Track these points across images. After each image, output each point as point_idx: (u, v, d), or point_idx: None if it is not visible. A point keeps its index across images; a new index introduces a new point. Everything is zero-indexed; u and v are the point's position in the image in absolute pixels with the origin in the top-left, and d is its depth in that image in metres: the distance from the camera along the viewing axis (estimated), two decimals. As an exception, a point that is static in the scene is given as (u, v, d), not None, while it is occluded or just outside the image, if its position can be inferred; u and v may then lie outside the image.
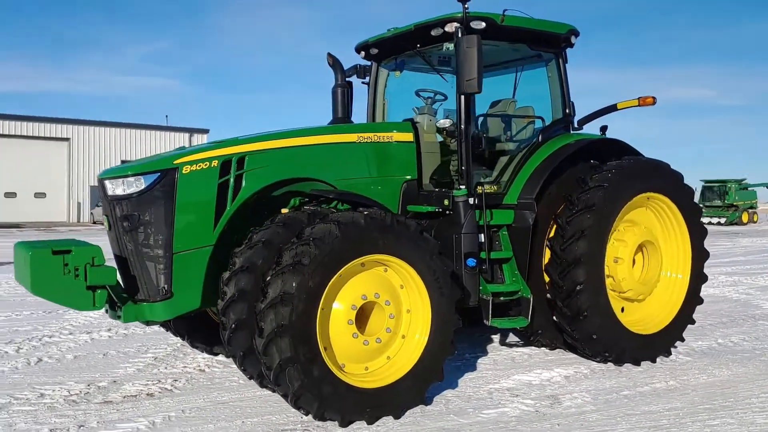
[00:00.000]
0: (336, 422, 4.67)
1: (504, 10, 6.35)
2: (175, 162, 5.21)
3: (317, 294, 4.53)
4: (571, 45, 7.01)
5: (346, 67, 7.33)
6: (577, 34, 6.94)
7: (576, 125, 7.15)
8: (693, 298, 6.88)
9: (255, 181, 5.46)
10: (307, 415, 4.73)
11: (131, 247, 5.19)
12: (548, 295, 6.25)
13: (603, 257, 6.15)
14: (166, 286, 5.13)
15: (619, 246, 6.45)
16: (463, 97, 6.15)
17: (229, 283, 4.89)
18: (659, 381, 5.93)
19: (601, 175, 6.27)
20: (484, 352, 6.91)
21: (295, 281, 4.44)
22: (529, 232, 6.18)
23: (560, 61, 7.01)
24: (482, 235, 6.26)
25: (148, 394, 5.42)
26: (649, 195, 6.56)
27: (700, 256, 6.90)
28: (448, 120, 6.46)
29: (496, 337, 7.50)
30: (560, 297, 6.12)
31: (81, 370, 6.14)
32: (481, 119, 7.33)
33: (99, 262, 4.92)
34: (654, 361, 6.54)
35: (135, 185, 5.15)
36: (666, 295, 6.87)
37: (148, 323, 5.48)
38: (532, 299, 6.07)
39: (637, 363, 6.43)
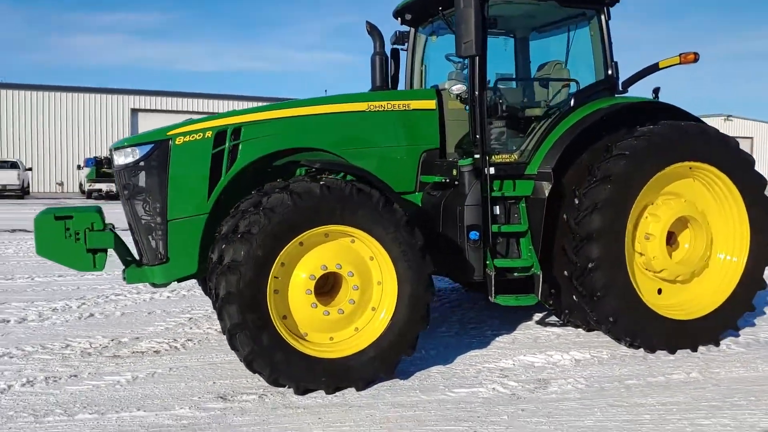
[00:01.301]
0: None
1: (522, -35, 5.89)
2: (168, 133, 5.46)
3: (266, 263, 4.57)
4: (614, 0, 6.34)
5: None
6: (620, -13, 6.26)
7: (620, 88, 6.50)
8: (751, 282, 6.04)
9: (251, 151, 5.57)
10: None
11: (132, 214, 5.55)
12: (565, 272, 5.80)
13: (623, 232, 5.58)
14: (162, 251, 5.43)
15: (652, 221, 5.81)
16: (471, 59, 5.82)
17: (212, 250, 5.07)
18: (681, 372, 5.32)
19: (626, 142, 5.67)
20: (510, 330, 6.58)
21: (243, 250, 4.52)
22: (544, 205, 5.74)
23: (602, 18, 6.38)
24: (497, 207, 5.97)
25: (155, 351, 5.81)
26: (691, 165, 5.82)
27: (761, 233, 6.02)
28: (461, 85, 6.13)
29: (537, 315, 7.09)
30: (575, 275, 5.67)
31: (119, 325, 6.70)
32: (501, 84, 6.88)
33: (98, 227, 5.34)
34: (695, 350, 5.86)
35: (132, 156, 5.47)
36: (716, 277, 6.09)
37: (155, 285, 5.82)
38: (541, 276, 5.67)
39: (672, 351, 5.80)
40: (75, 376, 5.13)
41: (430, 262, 4.97)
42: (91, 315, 7.11)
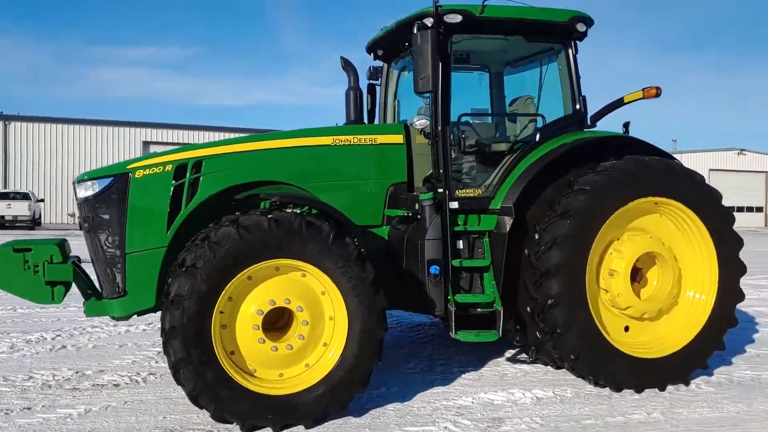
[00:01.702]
0: (240, 425, 4.66)
1: (483, 1, 5.94)
2: (128, 167, 5.51)
3: (211, 297, 4.56)
4: (582, 35, 6.36)
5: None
6: (586, 21, 6.29)
7: (589, 122, 6.49)
8: (720, 320, 5.92)
9: (212, 184, 5.59)
10: (213, 414, 4.75)
11: (92, 246, 5.57)
12: (528, 309, 5.73)
13: (583, 268, 5.50)
14: (120, 284, 5.43)
15: (616, 257, 5.74)
16: (434, 96, 5.86)
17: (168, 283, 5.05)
18: (643, 412, 5.19)
19: (587, 177, 5.63)
20: (478, 367, 6.48)
21: (187, 284, 4.51)
22: (505, 240, 5.70)
23: (569, 52, 6.39)
24: (460, 241, 5.94)
25: (115, 385, 5.79)
26: (656, 200, 5.76)
27: (730, 270, 5.93)
28: (425, 120, 6.15)
29: (510, 352, 6.98)
30: (536, 311, 5.59)
31: (88, 358, 6.69)
32: (473, 119, 6.91)
33: (57, 260, 5.36)
34: (662, 389, 5.74)
35: (92, 189, 5.51)
36: (685, 315, 5.99)
37: (114, 319, 5.80)
38: (502, 312, 5.61)
39: (639, 390, 5.68)
40: (29, 408, 5.11)
41: (383, 297, 4.92)
42: (63, 347, 7.11)
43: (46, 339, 7.46)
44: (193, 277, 4.52)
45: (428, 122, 6.09)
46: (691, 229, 5.90)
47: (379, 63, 7.50)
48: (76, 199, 5.76)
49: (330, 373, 4.81)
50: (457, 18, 5.86)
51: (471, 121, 7.15)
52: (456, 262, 5.77)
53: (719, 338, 5.96)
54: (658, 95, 6.06)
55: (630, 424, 4.96)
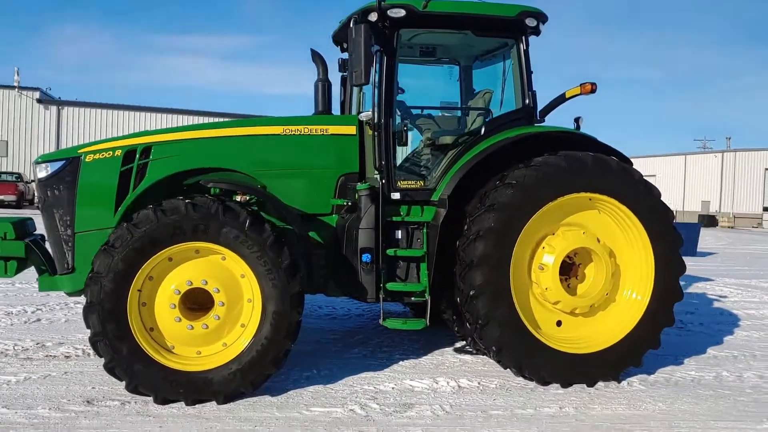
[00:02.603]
0: (153, 398, 4.93)
1: (429, -6, 6.02)
2: (79, 151, 5.83)
3: (127, 275, 4.83)
4: (534, 31, 6.37)
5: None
6: (537, 16, 6.29)
7: (538, 117, 6.51)
8: (656, 319, 5.90)
9: (159, 169, 5.86)
10: (129, 386, 5.03)
11: (46, 224, 5.91)
12: (457, 299, 5.83)
13: (507, 261, 5.55)
14: (69, 261, 5.76)
15: (546, 252, 5.78)
16: (378, 89, 6.01)
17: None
18: (555, 406, 5.24)
19: (517, 171, 5.67)
20: (421, 355, 6.62)
21: (105, 262, 4.79)
22: (437, 231, 5.80)
23: (520, 47, 6.41)
24: (399, 231, 6.08)
25: (65, 356, 6.15)
26: (590, 196, 5.77)
27: (668, 269, 5.89)
28: (368, 112, 6.28)
29: (462, 342, 7.07)
30: (462, 301, 5.69)
31: (56, 331, 7.10)
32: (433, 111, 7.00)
33: (10, 237, 5.70)
34: (591, 385, 5.77)
35: (46, 170, 5.84)
36: (621, 312, 5.98)
37: (69, 295, 6.14)
38: (429, 302, 5.74)
39: (565, 384, 5.73)
40: (-25, 374, 5.49)
41: (298, 282, 5.11)
42: (38, 320, 7.54)
43: (26, 312, 7.91)
44: (111, 256, 4.79)
45: (369, 114, 6.22)
46: (628, 226, 5.89)
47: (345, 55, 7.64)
48: (35, 180, 6.12)
49: (242, 352, 5.03)
50: (401, 12, 5.96)
51: (432, 114, 7.26)
52: (391, 252, 5.90)
53: (655, 336, 5.93)
54: (593, 91, 6.05)
55: (537, 416, 5.03)
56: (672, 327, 6.11)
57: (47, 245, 5.99)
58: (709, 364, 6.70)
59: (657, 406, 5.34)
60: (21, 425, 4.46)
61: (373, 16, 5.99)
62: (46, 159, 5.92)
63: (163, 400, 4.93)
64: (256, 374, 5.06)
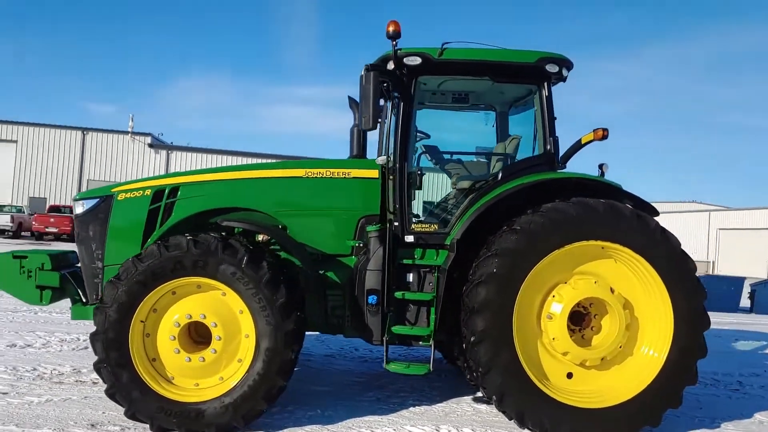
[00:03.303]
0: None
1: (443, 44, 6.13)
2: (113, 189, 6.27)
3: (129, 307, 5.10)
4: (555, 76, 6.30)
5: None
6: (559, 62, 6.22)
7: (559, 162, 6.39)
8: (675, 375, 5.54)
9: (185, 208, 6.20)
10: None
11: (80, 257, 6.35)
12: (464, 345, 5.73)
13: (510, 307, 5.41)
14: (99, 293, 6.15)
15: (555, 300, 5.60)
16: (395, 134, 6.16)
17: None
18: (553, 462, 5.01)
19: (524, 217, 5.57)
20: (435, 402, 6.51)
21: (110, 293, 5.10)
22: (445, 275, 5.77)
23: (542, 93, 6.36)
24: (411, 274, 6.11)
25: (94, 382, 6.48)
26: (603, 245, 5.57)
27: (689, 323, 5.55)
28: (384, 157, 6.38)
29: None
30: (466, 346, 5.59)
31: (78, 358, 7.47)
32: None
33: (47, 267, 6.17)
34: (602, 443, 5.46)
35: (82, 207, 6.32)
36: (637, 367, 5.67)
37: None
38: (432, 345, 5.68)
39: (573, 440, 5.46)
40: (5, 393, 5.92)
41: (293, 320, 5.20)
42: (86, 348, 7.99)
43: (78, 340, 8.43)
44: (116, 287, 5.09)
45: (386, 159, 6.32)
46: (645, 277, 5.61)
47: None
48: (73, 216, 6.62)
49: (235, 387, 5.16)
50: (417, 61, 6.08)
51: (462, 160, 7.28)
52: (399, 294, 5.91)
53: (675, 395, 5.56)
54: (605, 137, 5.90)
55: (528, 471, 4.82)
56: (727, 388, 5.73)
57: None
58: (749, 429, 6.19)
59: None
60: (23, 443, 4.76)
61: (390, 65, 6.15)
62: (83, 197, 6.39)
63: (158, 428, 5.11)
64: (248, 409, 5.16)
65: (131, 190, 6.26)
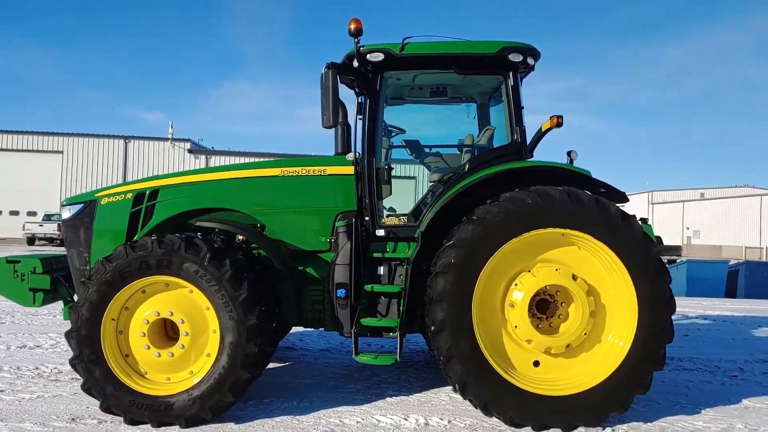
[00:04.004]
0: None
1: (404, 38, 6.22)
2: (96, 195, 6.57)
3: (100, 306, 5.36)
4: (521, 65, 6.32)
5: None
6: (523, 51, 6.24)
7: (528, 152, 6.41)
8: (643, 361, 5.53)
9: (165, 210, 6.45)
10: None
11: (69, 260, 6.66)
12: (428, 334, 5.83)
13: (468, 297, 5.48)
14: (87, 293, 6.45)
15: (516, 289, 5.65)
16: (362, 130, 6.29)
17: None
18: (510, 448, 5.07)
19: (482, 207, 5.63)
20: (414, 392, 6.61)
21: (82, 293, 5.37)
22: (410, 267, 5.87)
23: (508, 83, 6.39)
24: (382, 267, 6.23)
25: (72, 378, 6.75)
26: (563, 232, 5.58)
27: (654, 307, 5.53)
28: (352, 153, 6.50)
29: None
30: (429, 336, 5.69)
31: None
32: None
33: (39, 271, 6.50)
34: (569, 430, 5.49)
35: (69, 212, 6.64)
36: (604, 353, 5.67)
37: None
38: (398, 336, 5.78)
39: (538, 428, 5.50)
40: (1, 391, 6.25)
41: (255, 315, 5.38)
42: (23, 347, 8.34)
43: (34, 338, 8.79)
44: (87, 287, 5.36)
45: (354, 155, 6.44)
46: (609, 263, 5.61)
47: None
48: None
49: (202, 380, 5.37)
50: (379, 57, 6.20)
51: (442, 153, 7.36)
52: (368, 287, 6.04)
53: (642, 380, 5.54)
54: (560, 124, 5.91)
55: (482, 457, 4.89)
56: (725, 375, 5.65)
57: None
58: (730, 414, 6.11)
59: (624, 455, 4.99)
60: (3, 436, 5.07)
61: (355, 62, 6.28)
62: (70, 202, 6.70)
63: (131, 420, 5.36)
64: (215, 402, 5.36)
65: (113, 194, 6.54)
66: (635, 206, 71.01)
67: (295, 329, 9.39)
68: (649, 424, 5.75)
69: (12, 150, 45.53)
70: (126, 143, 46.85)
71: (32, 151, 45.69)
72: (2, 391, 6.27)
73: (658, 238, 6.07)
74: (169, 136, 46.36)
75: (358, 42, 6.13)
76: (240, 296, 5.35)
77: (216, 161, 47.04)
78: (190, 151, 46.89)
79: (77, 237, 6.55)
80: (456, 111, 8.04)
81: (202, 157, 47.09)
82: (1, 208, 44.94)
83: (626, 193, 6.20)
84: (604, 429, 5.56)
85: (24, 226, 37.53)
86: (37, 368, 7.19)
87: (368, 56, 6.20)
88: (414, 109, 7.83)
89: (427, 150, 7.41)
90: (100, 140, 46.52)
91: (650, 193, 78.09)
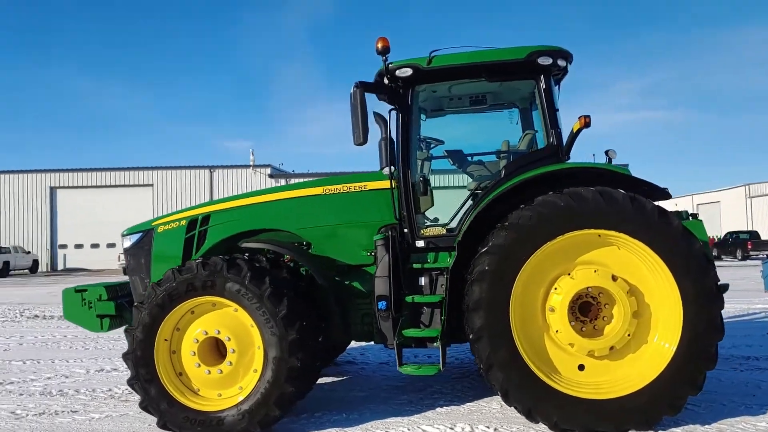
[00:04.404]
0: (181, 434, 5.67)
1: (431, 52, 6.31)
2: (153, 224, 6.98)
3: (152, 327, 5.68)
4: (552, 67, 6.28)
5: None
6: (552, 54, 6.21)
7: (565, 154, 6.33)
8: (693, 361, 5.34)
9: (216, 234, 6.80)
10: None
11: (132, 286, 7.08)
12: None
13: (505, 304, 5.45)
14: (148, 318, 6.84)
15: (555, 293, 5.58)
16: (397, 145, 6.43)
17: None
18: (553, 454, 5.00)
19: (515, 212, 5.61)
20: (465, 401, 6.60)
21: (136, 317, 5.71)
22: (448, 276, 5.91)
23: (540, 86, 6.36)
24: (423, 278, 6.30)
25: (123, 401, 7.09)
26: (599, 233, 5.49)
27: (700, 305, 5.33)
28: (387, 168, 6.61)
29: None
30: (470, 345, 5.70)
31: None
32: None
33: (104, 298, 6.95)
34: (616, 434, 5.36)
35: (129, 241, 7.07)
36: (651, 354, 5.50)
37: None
38: (439, 346, 5.82)
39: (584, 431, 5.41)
40: (74, 411, 6.71)
41: (296, 330, 5.55)
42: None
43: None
44: (140, 311, 5.69)
45: (389, 169, 6.55)
46: (650, 262, 5.46)
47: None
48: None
49: (249, 395, 5.58)
50: (408, 72, 6.32)
51: (484, 161, 7.37)
52: (409, 298, 6.12)
53: (693, 381, 5.35)
54: (588, 124, 5.81)
55: (522, 464, 4.85)
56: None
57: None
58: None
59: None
60: (69, 453, 5.44)
61: (385, 79, 6.42)
62: (129, 232, 7.14)
63: (187, 435, 5.64)
64: (263, 416, 5.55)
65: (168, 222, 6.92)
66: (730, 200, 67.67)
67: (357, 344, 9.53)
68: (706, 426, 5.53)
69: (107, 186, 48.34)
70: (211, 173, 48.81)
71: (125, 186, 48.33)
72: (75, 411, 6.70)
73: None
74: (251, 163, 47.94)
75: (386, 59, 6.26)
76: (280, 312, 5.54)
77: (295, 184, 48.16)
78: (271, 176, 48.31)
79: (138, 264, 6.96)
80: (499, 118, 8.04)
81: (282, 181, 48.36)
82: (99, 242, 47.62)
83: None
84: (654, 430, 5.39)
85: (119, 257, 39.56)
86: (110, 390, 7.63)
87: (397, 72, 6.32)
88: (456, 120, 7.88)
89: (469, 159, 7.43)
90: (187, 171, 48.67)
91: (747, 187, 74.14)
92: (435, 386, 7.30)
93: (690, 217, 6.08)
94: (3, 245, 44.96)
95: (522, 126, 7.65)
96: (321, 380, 7.88)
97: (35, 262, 45.40)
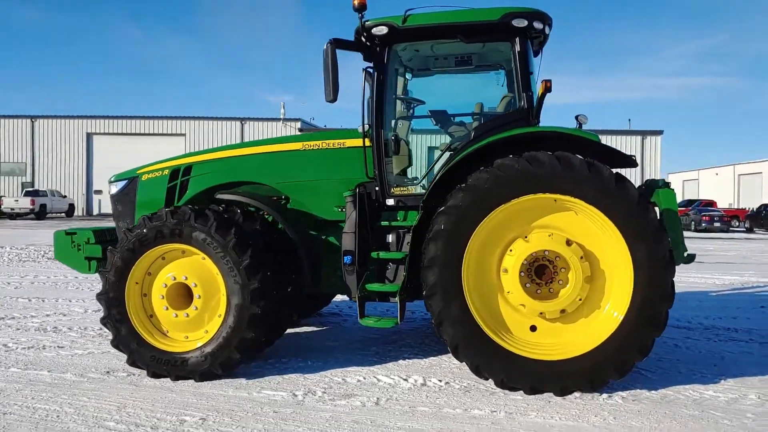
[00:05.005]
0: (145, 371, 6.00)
1: (407, 10, 6.34)
2: (138, 171, 7.23)
3: (124, 271, 5.97)
4: (527, 30, 6.26)
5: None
6: (527, 16, 6.18)
7: (534, 118, 6.35)
8: (640, 326, 5.42)
9: (198, 184, 7.03)
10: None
11: (117, 231, 7.39)
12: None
13: (458, 262, 5.58)
14: (132, 261, 7.15)
15: (509, 255, 5.69)
16: (371, 103, 6.51)
17: None
18: (488, 410, 5.19)
19: (474, 174, 5.69)
20: (427, 355, 6.81)
21: (110, 260, 6.00)
22: (410, 233, 6.06)
23: (515, 49, 6.35)
24: (390, 235, 6.46)
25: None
26: (555, 197, 5.55)
27: (651, 271, 5.39)
28: (365, 125, 6.71)
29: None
30: (425, 300, 5.87)
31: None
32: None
33: (92, 241, 7.27)
34: (559, 395, 5.52)
35: (116, 188, 7.35)
36: (602, 318, 5.61)
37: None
38: (398, 300, 6.00)
39: (531, 391, 5.57)
40: (60, 347, 7.11)
41: (257, 279, 5.77)
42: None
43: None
44: (113, 254, 5.98)
45: (363, 127, 6.66)
46: (605, 228, 5.52)
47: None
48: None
49: (212, 338, 5.86)
50: (384, 30, 6.36)
51: (465, 122, 7.42)
52: (374, 254, 6.29)
53: (641, 346, 5.44)
54: (549, 89, 5.81)
55: (461, 417, 5.03)
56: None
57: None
58: (750, 385, 5.84)
59: (606, 421, 4.96)
60: (44, 383, 5.80)
61: (362, 37, 6.47)
62: (117, 179, 7.42)
63: (153, 374, 5.96)
64: (225, 358, 5.83)
65: (152, 171, 7.18)
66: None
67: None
68: (652, 392, 5.63)
69: (142, 134, 49.26)
70: (242, 124, 49.24)
71: (159, 134, 49.12)
72: (62, 347, 7.11)
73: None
74: (281, 117, 48.19)
75: (362, 17, 6.31)
76: (243, 262, 5.76)
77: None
78: (301, 130, 48.48)
79: (124, 210, 7.25)
80: (487, 79, 8.04)
81: (313, 135, 48.59)
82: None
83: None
84: (600, 395, 5.52)
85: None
86: (101, 329, 8.02)
87: (373, 30, 6.36)
88: (444, 80, 7.90)
89: (452, 120, 7.47)
90: (219, 122, 49.17)
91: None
92: (406, 340, 7.53)
93: (665, 186, 6.09)
94: (41, 189, 46.32)
95: (507, 88, 7.65)
96: (302, 329, 8.20)
97: (71, 206, 46.76)
